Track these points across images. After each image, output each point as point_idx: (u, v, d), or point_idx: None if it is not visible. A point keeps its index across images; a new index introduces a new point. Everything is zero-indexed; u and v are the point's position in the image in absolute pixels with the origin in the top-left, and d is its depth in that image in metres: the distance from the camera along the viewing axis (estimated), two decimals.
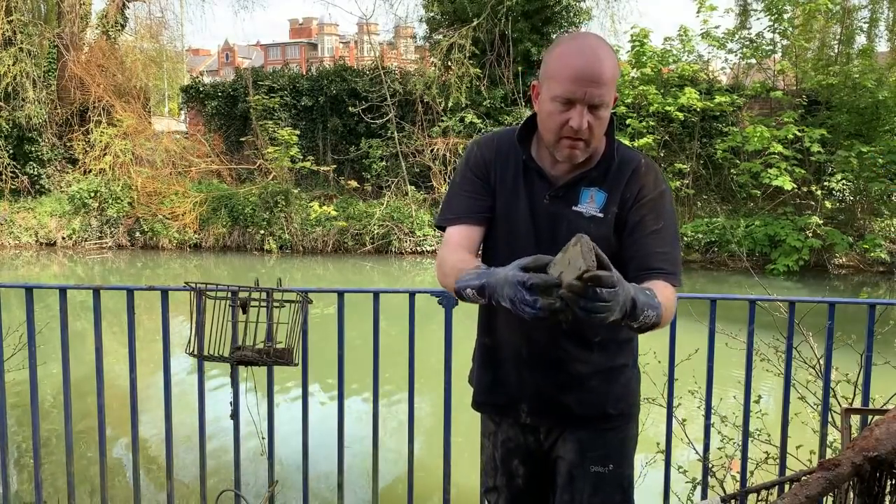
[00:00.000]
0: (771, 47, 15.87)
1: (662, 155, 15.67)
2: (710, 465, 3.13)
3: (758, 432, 3.48)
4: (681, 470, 3.49)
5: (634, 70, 15.83)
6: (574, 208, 1.85)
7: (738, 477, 3.12)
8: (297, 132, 16.84)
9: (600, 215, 1.83)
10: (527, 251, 1.64)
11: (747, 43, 15.88)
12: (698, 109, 14.85)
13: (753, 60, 16.10)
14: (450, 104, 15.90)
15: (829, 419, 3.06)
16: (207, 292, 2.80)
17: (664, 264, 1.79)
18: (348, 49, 57.17)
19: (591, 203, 1.84)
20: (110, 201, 16.58)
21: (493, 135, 1.99)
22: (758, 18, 21.72)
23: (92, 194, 16.65)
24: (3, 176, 17.27)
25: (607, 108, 1.77)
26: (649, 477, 3.44)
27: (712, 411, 3.06)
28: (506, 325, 1.94)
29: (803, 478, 1.96)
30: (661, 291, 1.66)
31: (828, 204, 14.72)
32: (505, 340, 1.95)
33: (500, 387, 1.99)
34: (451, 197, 1.95)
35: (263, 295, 2.81)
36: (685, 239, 14.77)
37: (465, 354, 3.00)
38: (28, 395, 3.14)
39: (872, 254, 13.90)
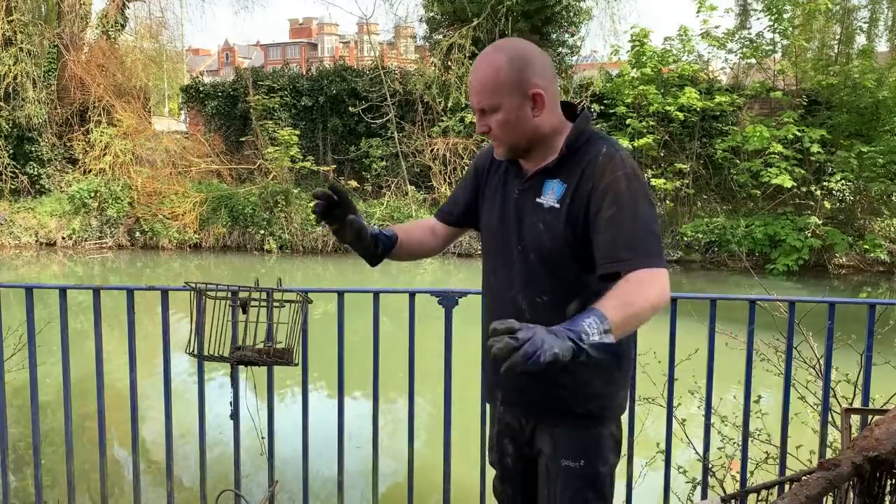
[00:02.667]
0: (771, 47, 15.87)
1: (662, 155, 15.67)
2: (710, 465, 3.13)
3: (758, 432, 3.48)
4: (681, 470, 3.49)
5: (634, 70, 15.83)
6: (537, 200, 1.92)
7: (738, 477, 3.12)
8: (297, 132, 16.83)
9: (557, 206, 1.88)
10: (496, 243, 2.01)
11: (747, 43, 15.88)
12: (698, 109, 14.85)
13: (753, 60, 16.10)
14: (450, 104, 15.90)
15: (829, 419, 3.06)
16: (207, 292, 2.80)
17: (623, 252, 1.76)
18: (348, 49, 57.16)
19: (551, 195, 1.90)
20: (110, 201, 16.58)
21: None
22: (758, 18, 21.76)
23: (92, 194, 16.65)
24: (3, 176, 17.27)
25: (496, 111, 1.85)
26: (649, 477, 3.45)
27: (712, 411, 3.06)
28: (486, 317, 2.08)
29: (803, 478, 1.96)
30: (623, 290, 1.67)
31: (827, 204, 14.72)
32: (486, 331, 1.97)
33: (485, 373, 2.18)
34: (451, 195, 2.25)
35: (263, 295, 2.80)
36: (685, 239, 14.77)
37: (465, 354, 3.01)
38: (28, 395, 3.14)
39: (872, 254, 13.90)
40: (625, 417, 3.11)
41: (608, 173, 1.82)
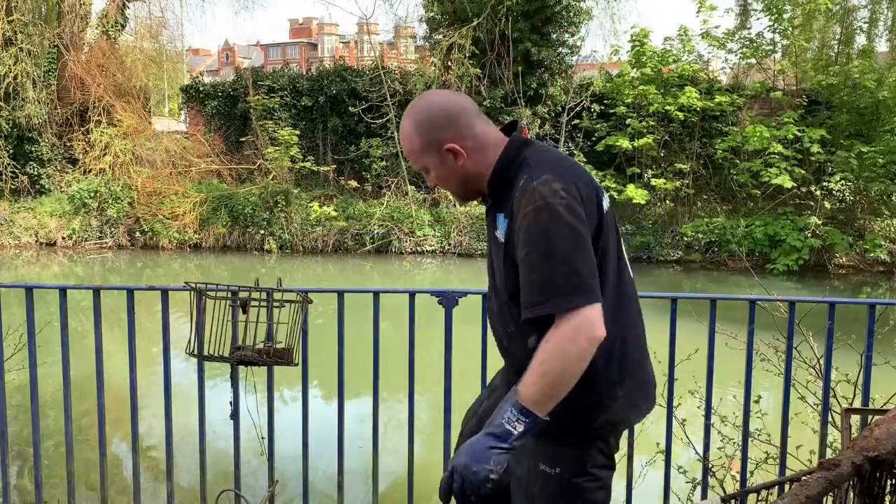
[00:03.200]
0: (771, 47, 15.87)
1: (662, 155, 15.67)
2: (710, 465, 3.13)
3: (758, 432, 3.48)
4: (681, 470, 3.49)
5: (634, 70, 15.82)
6: (495, 233, 1.93)
7: (738, 477, 3.12)
8: (297, 132, 16.83)
9: (503, 241, 1.87)
10: (488, 279, 2.06)
11: (747, 43, 15.87)
12: (698, 109, 14.85)
13: (753, 60, 16.10)
14: None
15: (829, 419, 3.06)
16: (207, 292, 2.80)
17: (538, 295, 1.71)
18: (348, 49, 57.17)
19: (500, 229, 1.90)
20: (110, 201, 16.58)
21: None
22: (758, 18, 21.75)
23: (92, 194, 16.65)
24: (3, 176, 17.27)
25: (427, 170, 1.95)
26: (649, 477, 3.45)
27: (712, 411, 3.06)
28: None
29: (803, 478, 1.96)
30: (540, 357, 1.68)
31: (827, 204, 14.72)
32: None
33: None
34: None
35: (263, 295, 2.81)
36: (685, 239, 14.77)
37: (465, 354, 3.01)
38: (28, 394, 3.14)
39: (872, 254, 13.90)
40: None
41: (521, 209, 1.78)
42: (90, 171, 17.00)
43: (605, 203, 1.91)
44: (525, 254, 1.75)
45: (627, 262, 1.99)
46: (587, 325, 1.67)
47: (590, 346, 1.68)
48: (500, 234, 1.88)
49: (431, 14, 17.33)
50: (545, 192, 1.75)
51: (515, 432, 1.65)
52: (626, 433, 3.07)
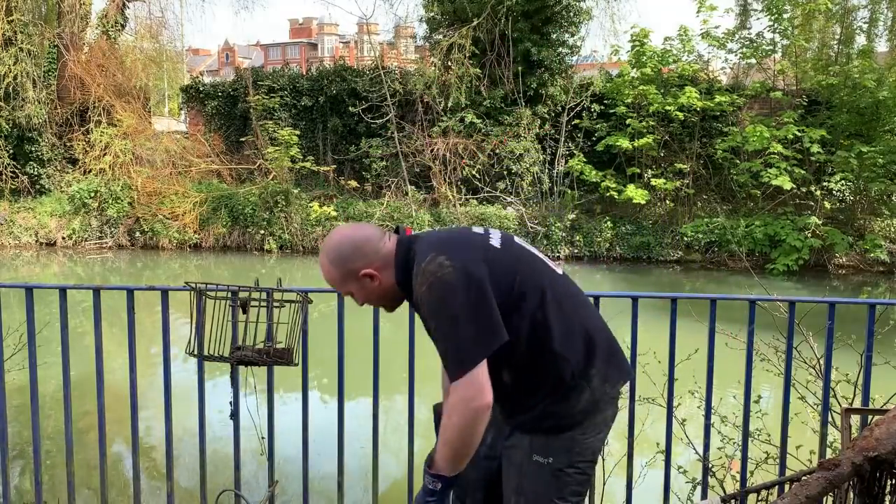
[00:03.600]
0: (771, 47, 15.86)
1: (662, 155, 15.67)
2: (710, 465, 3.13)
3: (758, 432, 3.48)
4: (681, 470, 3.49)
5: (634, 70, 15.82)
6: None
7: (738, 477, 3.12)
8: (297, 132, 16.82)
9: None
10: None
11: (747, 43, 15.86)
12: (698, 109, 14.85)
13: (753, 60, 16.09)
14: (450, 104, 15.89)
15: (829, 419, 3.06)
16: (207, 292, 2.80)
17: (445, 363, 2.00)
18: (348, 49, 57.17)
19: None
20: (110, 201, 16.57)
21: None
22: (758, 18, 21.75)
23: (92, 194, 16.64)
24: (3, 176, 17.26)
25: (352, 294, 2.21)
26: (649, 477, 3.45)
27: (712, 411, 3.06)
28: None
29: (803, 478, 1.96)
30: (442, 427, 1.98)
31: (827, 204, 14.72)
32: None
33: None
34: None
35: (263, 295, 2.81)
36: (685, 239, 14.78)
37: None
38: (28, 394, 3.14)
39: (872, 254, 13.90)
40: (624, 417, 3.12)
41: (417, 290, 2.02)
42: (90, 171, 16.99)
43: (497, 242, 2.13)
44: (432, 327, 2.01)
45: (555, 267, 2.21)
46: (473, 392, 1.91)
47: (478, 414, 1.92)
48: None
49: (431, 14, 17.32)
50: (431, 268, 1.98)
51: (437, 489, 2.00)
52: (625, 433, 3.08)
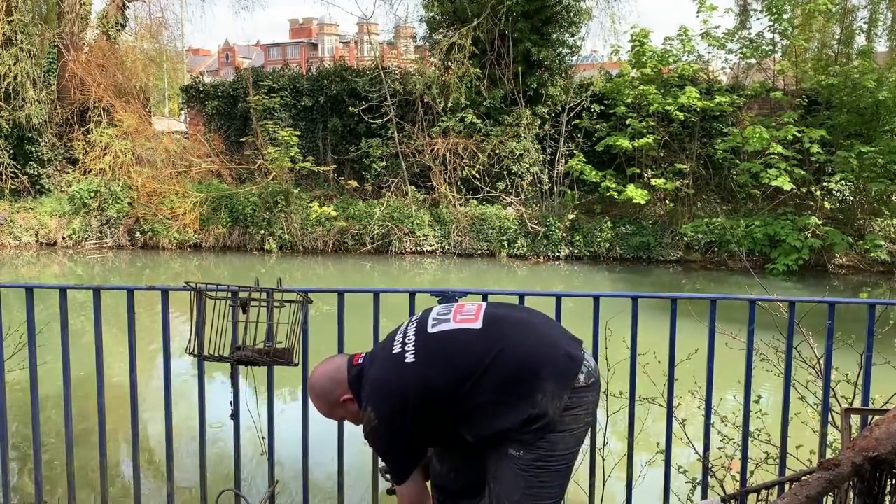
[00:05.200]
0: (771, 47, 15.86)
1: (662, 155, 15.67)
2: (710, 465, 3.13)
3: (758, 432, 3.48)
4: (681, 470, 3.49)
5: (634, 70, 15.82)
6: None
7: (738, 477, 3.12)
8: (297, 132, 16.81)
9: None
10: None
11: (747, 43, 15.86)
12: (698, 109, 14.84)
13: (753, 60, 16.08)
14: (450, 104, 15.89)
15: (829, 419, 3.06)
16: (207, 292, 2.80)
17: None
18: (348, 49, 57.15)
19: None
20: (110, 201, 16.57)
21: None
22: (758, 18, 21.74)
23: (92, 194, 16.64)
24: (4, 176, 17.26)
25: (343, 418, 2.64)
26: (649, 477, 3.45)
27: (712, 411, 3.06)
28: None
29: (803, 478, 1.96)
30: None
31: (827, 204, 14.72)
32: None
33: None
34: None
35: (263, 295, 2.81)
36: (685, 239, 14.78)
37: None
38: (28, 394, 3.14)
39: (872, 254, 13.90)
40: (625, 417, 3.11)
41: (363, 430, 2.46)
42: (90, 171, 16.98)
43: (412, 356, 2.37)
44: (380, 456, 2.58)
45: (472, 321, 2.41)
46: (405, 499, 2.48)
47: None
48: None
49: (431, 14, 17.32)
50: (364, 422, 2.43)
51: None
52: (625, 433, 3.08)
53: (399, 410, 2.34)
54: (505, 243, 15.56)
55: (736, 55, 16.03)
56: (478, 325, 2.39)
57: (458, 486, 2.62)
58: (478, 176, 15.88)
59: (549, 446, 2.31)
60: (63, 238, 16.71)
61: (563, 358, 2.35)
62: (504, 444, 2.34)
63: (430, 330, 2.41)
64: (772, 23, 15.38)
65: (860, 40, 16.86)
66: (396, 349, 2.41)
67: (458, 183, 16.08)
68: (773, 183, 13.97)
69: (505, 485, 2.35)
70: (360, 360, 2.51)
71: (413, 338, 2.40)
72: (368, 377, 2.44)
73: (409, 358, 2.36)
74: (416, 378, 2.33)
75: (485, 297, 2.99)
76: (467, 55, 15.75)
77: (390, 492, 2.67)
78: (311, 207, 16.05)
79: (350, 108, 16.89)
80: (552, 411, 2.28)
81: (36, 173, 17.54)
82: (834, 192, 14.97)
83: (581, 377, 2.34)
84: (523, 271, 14.88)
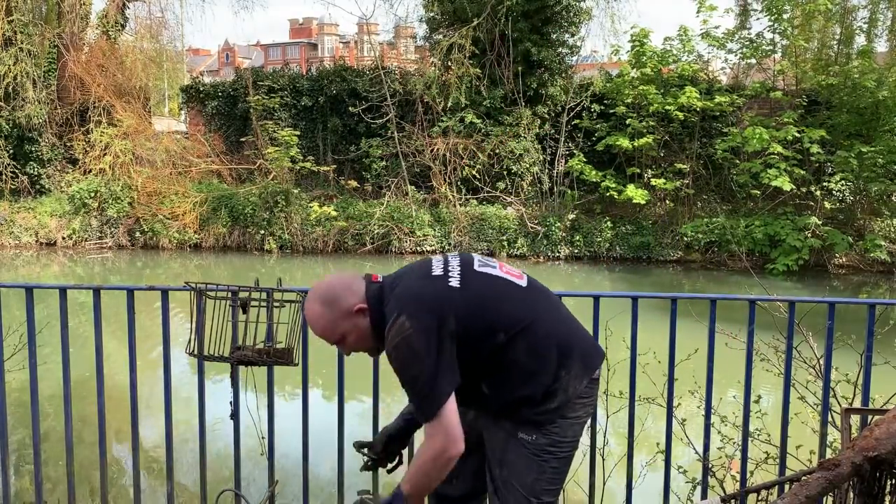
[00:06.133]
0: (771, 47, 15.85)
1: (662, 155, 15.67)
2: (710, 465, 3.13)
3: (758, 432, 3.48)
4: (681, 470, 3.49)
5: (634, 70, 15.82)
6: None
7: (738, 477, 3.12)
8: (297, 132, 16.81)
9: None
10: None
11: (747, 43, 15.85)
12: (698, 109, 14.84)
13: (753, 60, 16.08)
14: (450, 104, 15.89)
15: (829, 419, 3.06)
16: (207, 292, 2.80)
17: (415, 412, 2.26)
18: (348, 49, 57.15)
19: None
20: (110, 201, 16.57)
21: None
22: (757, 18, 21.70)
23: (92, 194, 16.64)
24: (3, 176, 17.26)
25: (341, 340, 2.31)
26: (649, 477, 3.45)
27: (712, 411, 3.06)
28: None
29: (803, 478, 1.96)
30: (413, 462, 2.23)
31: (827, 204, 14.72)
32: None
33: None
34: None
35: (263, 295, 2.81)
36: (685, 239, 14.78)
37: None
38: (28, 394, 3.14)
39: (872, 254, 13.89)
40: (625, 417, 3.12)
41: (388, 345, 2.19)
42: (90, 171, 16.99)
43: (457, 281, 2.26)
44: (403, 381, 2.22)
45: (518, 280, 2.38)
46: (446, 444, 2.14)
47: (450, 462, 2.15)
48: None
49: (431, 14, 17.32)
50: (395, 331, 2.16)
51: None
52: (625, 433, 3.08)
53: (437, 327, 2.14)
54: (505, 243, 15.56)
55: (736, 55, 16.03)
56: (523, 283, 2.38)
57: (459, 493, 2.57)
58: (478, 176, 15.88)
59: (560, 431, 2.30)
60: (63, 238, 16.71)
61: (592, 346, 2.42)
62: (515, 426, 2.31)
63: (476, 268, 2.33)
64: (772, 23, 15.38)
65: (860, 40, 16.87)
66: (437, 272, 2.29)
67: (458, 183, 16.08)
68: (773, 183, 13.97)
69: (516, 469, 2.31)
70: (380, 279, 2.36)
71: (458, 268, 2.30)
72: (398, 290, 2.26)
73: (454, 283, 2.25)
74: (459, 303, 2.20)
75: None
76: (467, 55, 15.75)
77: (368, 468, 2.55)
78: (311, 207, 16.05)
79: (350, 108, 16.89)
80: (570, 392, 2.29)
81: (36, 173, 17.54)
82: (834, 192, 14.96)
83: (597, 370, 2.40)
84: (523, 271, 14.87)
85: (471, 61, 15.81)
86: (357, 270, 2.40)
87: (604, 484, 3.27)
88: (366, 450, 2.51)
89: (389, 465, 2.59)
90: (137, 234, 16.69)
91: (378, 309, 2.25)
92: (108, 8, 18.89)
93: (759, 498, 2.74)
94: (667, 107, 14.78)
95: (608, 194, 15.25)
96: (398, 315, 2.17)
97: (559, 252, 15.41)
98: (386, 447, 2.53)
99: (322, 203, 16.33)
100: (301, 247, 16.07)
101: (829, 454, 3.02)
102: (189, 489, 4.71)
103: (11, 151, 17.37)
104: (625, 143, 14.91)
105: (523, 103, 15.96)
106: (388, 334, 2.19)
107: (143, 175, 16.75)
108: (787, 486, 2.67)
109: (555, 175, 16.21)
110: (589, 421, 2.60)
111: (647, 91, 14.97)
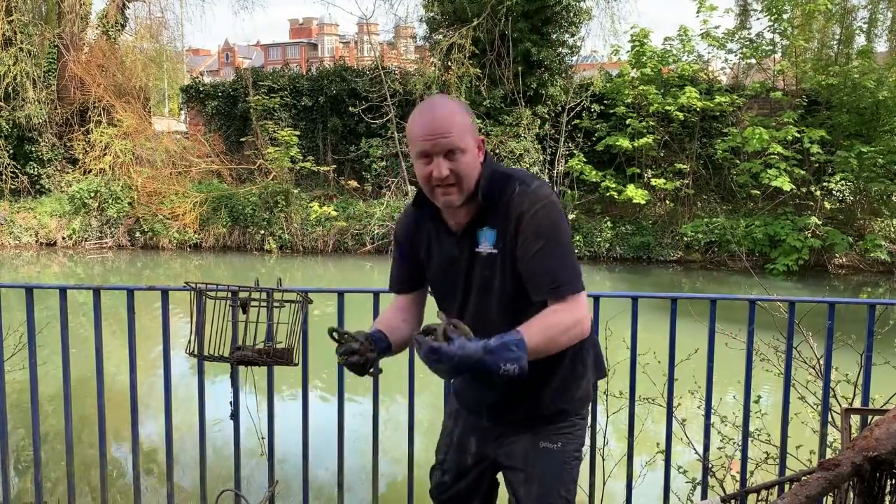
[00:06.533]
0: (771, 47, 15.85)
1: (662, 155, 15.67)
2: (710, 465, 3.13)
3: (758, 432, 3.48)
4: (681, 470, 3.49)
5: (634, 70, 15.82)
6: (476, 250, 2.04)
7: (738, 477, 3.12)
8: (297, 132, 16.83)
9: (494, 251, 2.01)
10: (454, 300, 2.11)
11: (747, 43, 15.86)
12: (698, 109, 14.84)
13: (753, 60, 16.08)
14: None
15: (829, 419, 3.06)
16: (207, 292, 2.80)
17: (550, 282, 1.92)
18: (348, 49, 57.15)
19: (486, 242, 2.02)
20: (110, 201, 16.57)
21: (406, 211, 2.22)
22: (757, 18, 21.72)
23: (92, 194, 16.64)
24: (4, 176, 17.27)
25: (463, 152, 1.93)
26: (649, 477, 3.45)
27: (712, 411, 3.06)
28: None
29: (803, 478, 1.96)
30: (542, 321, 1.86)
31: (827, 204, 14.72)
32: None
33: (464, 391, 2.34)
34: (391, 268, 2.29)
35: (263, 295, 2.80)
36: (685, 239, 14.78)
37: None
38: (28, 395, 3.14)
39: (872, 254, 13.90)
40: (625, 417, 3.12)
41: (527, 208, 1.94)
42: (90, 171, 17.00)
43: None
44: (541, 246, 1.92)
45: None
46: (583, 310, 1.95)
47: (580, 335, 1.94)
48: (487, 246, 2.03)
49: (431, 14, 17.32)
50: (545, 192, 1.97)
51: (506, 366, 1.72)
52: (625, 433, 3.08)
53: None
54: None
55: (736, 55, 16.03)
56: None
57: None
58: None
59: (582, 434, 2.22)
60: (63, 238, 16.72)
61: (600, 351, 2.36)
62: (539, 434, 2.14)
63: None
64: (772, 23, 15.38)
65: (860, 40, 16.88)
66: None
67: None
68: (773, 183, 13.97)
69: (549, 482, 2.12)
70: None
71: None
72: (509, 170, 2.06)
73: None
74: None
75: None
76: (467, 55, 15.75)
77: (351, 356, 1.97)
78: (311, 207, 16.06)
79: (350, 108, 16.89)
80: (591, 377, 2.23)
81: (36, 173, 17.55)
82: (834, 192, 14.96)
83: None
84: None
85: (471, 61, 15.81)
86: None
87: (604, 484, 3.27)
88: (347, 335, 2.00)
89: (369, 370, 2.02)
90: (137, 234, 16.69)
91: (495, 174, 2.00)
92: (108, 8, 18.90)
93: (759, 498, 2.74)
94: (667, 107, 14.78)
95: (608, 194, 15.26)
96: (527, 183, 1.97)
97: None
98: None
99: (322, 203, 16.34)
100: (301, 247, 16.07)
101: (829, 454, 3.02)
102: (189, 489, 4.71)
103: (11, 151, 17.38)
104: (625, 143, 14.91)
105: (523, 103, 15.96)
106: (528, 195, 1.94)
107: (143, 175, 16.76)
108: (787, 486, 2.67)
109: (555, 175, 16.21)
110: (589, 421, 2.51)
111: (647, 91, 14.97)
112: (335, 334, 2.00)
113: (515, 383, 1.83)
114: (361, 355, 1.95)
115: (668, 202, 15.60)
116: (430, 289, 2.25)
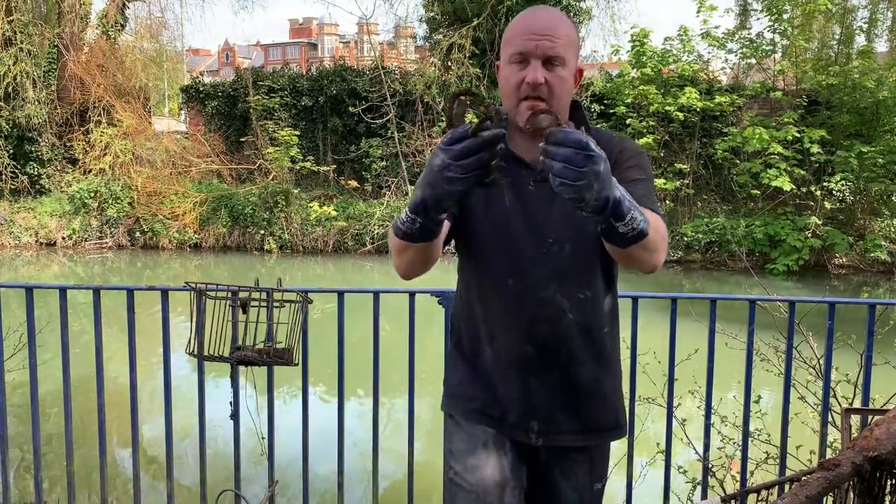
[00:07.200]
0: (771, 47, 15.86)
1: (662, 155, 15.67)
2: (710, 465, 3.13)
3: (758, 432, 3.48)
4: (681, 470, 3.49)
5: (634, 70, 15.82)
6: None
7: (738, 477, 3.12)
8: (297, 132, 16.83)
9: None
10: (524, 243, 1.72)
11: (747, 43, 15.87)
12: (698, 109, 14.84)
13: (753, 60, 16.09)
14: None
15: (829, 419, 3.05)
16: (207, 292, 2.80)
17: (649, 203, 1.64)
18: (348, 49, 57.13)
19: None
20: (110, 201, 16.58)
21: None
22: (758, 18, 21.71)
23: (92, 194, 16.65)
24: (3, 176, 17.27)
25: (564, 65, 1.66)
26: (649, 477, 3.45)
27: (712, 411, 3.06)
28: (507, 324, 1.79)
29: (803, 478, 1.96)
30: (648, 214, 1.52)
31: (827, 204, 14.72)
32: (499, 341, 1.80)
33: (503, 400, 1.80)
34: None
35: (263, 295, 2.81)
36: (685, 239, 14.78)
37: None
38: (28, 395, 3.14)
39: (872, 254, 13.90)
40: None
41: (630, 149, 1.76)
42: (90, 171, 17.01)
43: None
44: (641, 178, 1.70)
45: None
46: (666, 231, 1.67)
47: (659, 265, 1.64)
48: None
49: (431, 14, 17.33)
50: (632, 144, 1.81)
51: (624, 220, 1.41)
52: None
53: None
54: None
55: (736, 55, 16.04)
56: None
57: None
58: None
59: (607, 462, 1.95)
60: (63, 238, 16.72)
61: None
62: (597, 466, 1.87)
63: None
64: (772, 23, 15.39)
65: (860, 40, 16.87)
66: None
67: None
68: (773, 183, 13.98)
69: None
70: None
71: None
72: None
73: None
74: None
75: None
76: (467, 55, 15.75)
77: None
78: (311, 207, 16.06)
79: (350, 108, 16.89)
80: None
81: (36, 173, 17.55)
82: (834, 192, 14.96)
83: None
84: None
85: (471, 61, 15.81)
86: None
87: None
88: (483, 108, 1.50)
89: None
90: (137, 234, 16.69)
91: (583, 115, 1.80)
92: (108, 8, 18.91)
93: (759, 498, 2.74)
94: (667, 107, 14.78)
95: None
96: (626, 144, 1.81)
97: None
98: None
99: (322, 203, 16.34)
100: (301, 247, 16.07)
101: (829, 454, 3.02)
102: (189, 489, 4.71)
103: (11, 151, 17.38)
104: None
105: None
106: (624, 142, 1.80)
107: (143, 175, 16.77)
108: (787, 486, 2.67)
109: None
110: None
111: (647, 91, 14.97)
112: (468, 98, 1.53)
113: (579, 370, 1.71)
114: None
115: (668, 202, 15.60)
116: (478, 251, 1.85)
